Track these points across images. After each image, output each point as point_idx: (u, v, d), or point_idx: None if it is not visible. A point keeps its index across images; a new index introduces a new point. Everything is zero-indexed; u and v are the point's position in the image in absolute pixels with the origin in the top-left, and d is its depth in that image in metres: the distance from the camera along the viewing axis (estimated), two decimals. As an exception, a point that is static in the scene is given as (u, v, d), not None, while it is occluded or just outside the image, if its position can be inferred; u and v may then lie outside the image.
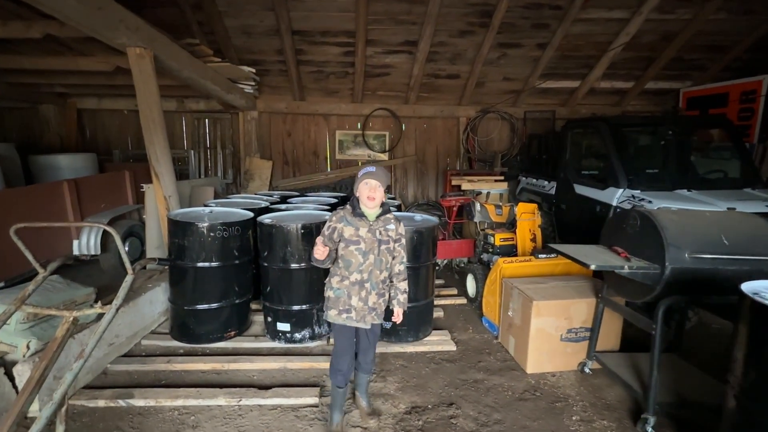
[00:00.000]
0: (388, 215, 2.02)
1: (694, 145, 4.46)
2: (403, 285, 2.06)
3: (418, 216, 3.27)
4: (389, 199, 4.43)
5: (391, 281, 2.06)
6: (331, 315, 1.99)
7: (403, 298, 2.05)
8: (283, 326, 2.90)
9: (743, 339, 1.41)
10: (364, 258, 1.93)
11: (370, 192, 1.93)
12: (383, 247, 1.96)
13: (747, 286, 1.45)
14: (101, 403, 2.23)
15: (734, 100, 5.51)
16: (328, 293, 2.01)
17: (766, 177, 5.10)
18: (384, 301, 2.03)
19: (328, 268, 2.05)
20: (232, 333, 2.98)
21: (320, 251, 1.89)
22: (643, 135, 4.50)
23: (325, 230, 1.99)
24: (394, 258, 2.03)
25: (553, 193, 4.78)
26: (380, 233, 1.96)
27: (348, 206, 2.01)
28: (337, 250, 1.98)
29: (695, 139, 4.47)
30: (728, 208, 2.88)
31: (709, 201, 3.18)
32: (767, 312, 1.31)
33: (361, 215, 1.96)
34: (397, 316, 2.06)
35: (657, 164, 4.28)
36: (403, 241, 2.06)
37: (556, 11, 4.98)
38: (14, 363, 2.06)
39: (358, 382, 2.23)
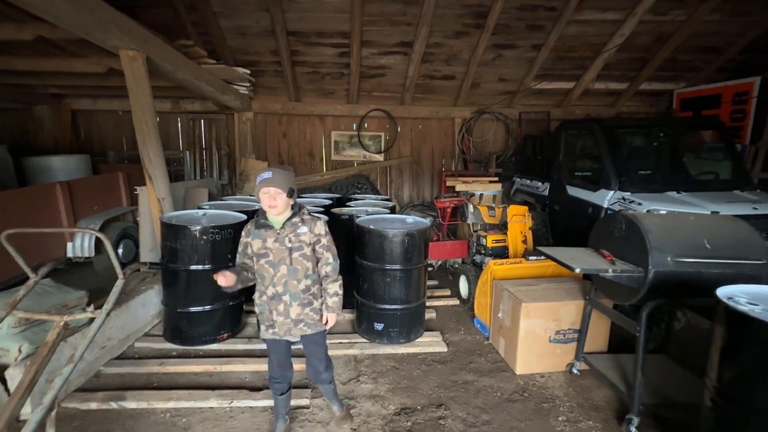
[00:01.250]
0: (295, 219, 1.85)
1: (687, 146, 4.49)
2: (333, 287, 1.90)
3: (410, 218, 3.29)
4: (383, 200, 4.45)
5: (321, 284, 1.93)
6: (262, 330, 1.94)
7: (332, 301, 1.90)
8: (276, 328, 2.92)
9: (719, 342, 1.44)
10: (275, 270, 1.83)
11: (270, 201, 1.78)
12: (296, 254, 1.83)
13: (722, 291, 1.48)
14: (93, 405, 2.25)
15: (727, 101, 5.55)
16: (255, 309, 1.94)
17: (757, 178, 5.16)
18: (314, 309, 1.90)
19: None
20: (225, 335, 3.00)
21: (222, 279, 1.75)
22: (635, 137, 4.54)
23: (239, 247, 1.91)
24: (318, 260, 1.90)
25: (547, 194, 4.81)
26: (290, 240, 1.83)
27: (255, 218, 1.90)
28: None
29: (687, 141, 4.51)
30: (712, 212, 2.91)
31: (698, 203, 3.21)
32: (740, 316, 1.34)
33: (266, 225, 1.84)
34: (327, 322, 1.92)
35: (649, 166, 4.32)
36: (324, 240, 1.89)
37: (550, 13, 5.00)
38: (6, 367, 2.07)
39: (322, 392, 2.18)
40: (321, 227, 1.90)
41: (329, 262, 1.91)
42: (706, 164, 4.27)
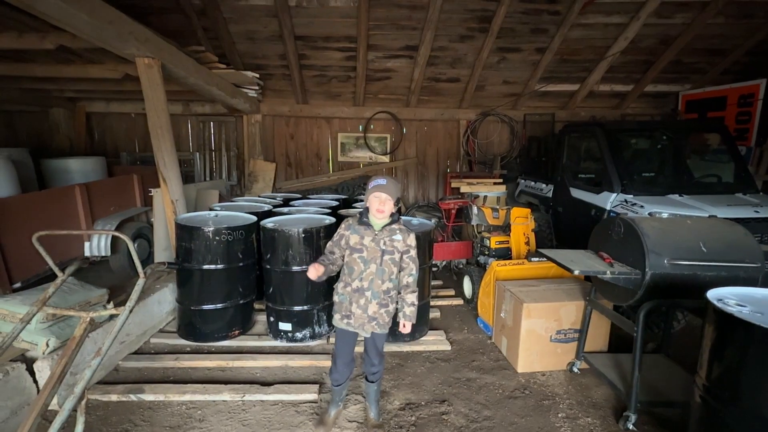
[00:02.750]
0: (394, 226, 2.01)
1: (690, 149, 4.52)
2: (411, 297, 2.02)
3: (415, 220, 3.39)
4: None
5: (400, 293, 2.05)
6: (335, 319, 2.07)
7: (409, 311, 2.02)
8: (285, 326, 3.03)
9: (708, 341, 1.51)
10: (366, 266, 1.97)
11: (380, 205, 1.95)
12: (387, 257, 1.97)
13: (712, 293, 1.56)
14: (114, 397, 2.38)
15: (732, 103, 5.56)
16: (335, 297, 2.08)
17: (763, 180, 5.17)
18: (387, 312, 2.02)
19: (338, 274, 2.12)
20: (237, 332, 3.12)
21: (313, 272, 1.94)
22: (638, 139, 4.58)
23: (335, 237, 2.08)
24: (402, 269, 2.02)
25: (551, 196, 4.87)
26: (384, 243, 1.97)
27: (357, 215, 2.07)
28: (344, 257, 2.05)
29: (690, 144, 4.54)
30: (709, 216, 2.96)
31: (699, 206, 3.26)
32: (728, 317, 1.42)
33: (368, 224, 1.99)
34: (403, 328, 2.04)
35: (652, 169, 4.36)
36: (413, 252, 2.02)
37: (554, 16, 5.06)
38: (34, 360, 2.20)
39: (365, 390, 2.27)
40: (413, 239, 2.03)
41: (412, 273, 2.03)
42: (709, 167, 4.29)
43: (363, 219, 2.00)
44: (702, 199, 3.43)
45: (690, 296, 2.09)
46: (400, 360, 2.92)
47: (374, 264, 1.97)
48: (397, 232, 2.00)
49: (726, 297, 1.56)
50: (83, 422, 1.57)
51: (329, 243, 2.08)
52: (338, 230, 2.07)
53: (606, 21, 5.14)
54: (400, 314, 2.04)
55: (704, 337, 1.55)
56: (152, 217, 4.20)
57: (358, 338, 2.12)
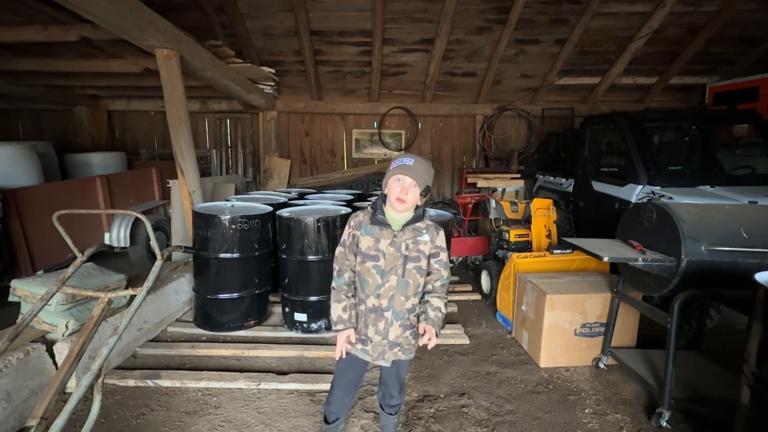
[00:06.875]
0: (419, 224, 1.54)
1: (720, 140, 4.32)
2: (437, 302, 1.56)
3: (432, 211, 3.31)
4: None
5: (422, 298, 1.59)
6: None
7: (434, 315, 1.53)
8: (300, 316, 2.99)
9: (757, 328, 1.40)
10: (383, 279, 1.51)
11: (401, 192, 1.47)
12: (411, 265, 1.51)
13: (761, 276, 1.44)
14: (131, 382, 2.38)
15: (765, 94, 5.30)
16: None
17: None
18: (413, 333, 1.59)
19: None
20: (252, 322, 3.10)
21: (349, 341, 1.53)
22: (665, 130, 4.40)
23: (346, 238, 1.60)
24: (429, 275, 1.58)
25: (571, 190, 4.72)
26: (407, 247, 1.51)
27: (369, 208, 1.58)
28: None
29: (721, 135, 4.34)
30: (749, 202, 2.80)
31: (733, 197, 3.09)
32: (782, 300, 1.30)
33: (383, 223, 1.52)
34: (423, 335, 1.52)
35: (679, 160, 4.18)
36: (443, 256, 1.57)
37: (575, 6, 4.93)
38: (54, 342, 2.22)
39: (382, 423, 1.87)
40: (443, 239, 1.58)
41: (441, 278, 1.59)
42: (741, 159, 4.10)
43: (377, 216, 1.52)
44: (736, 190, 3.26)
45: (729, 286, 1.96)
46: (417, 353, 2.81)
47: (395, 275, 1.51)
48: (424, 231, 1.54)
49: (776, 280, 1.44)
50: (100, 400, 1.55)
51: (338, 251, 1.60)
52: (347, 229, 1.59)
53: (629, 9, 4.97)
54: (422, 317, 1.56)
55: (753, 323, 1.43)
56: (170, 209, 4.24)
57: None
